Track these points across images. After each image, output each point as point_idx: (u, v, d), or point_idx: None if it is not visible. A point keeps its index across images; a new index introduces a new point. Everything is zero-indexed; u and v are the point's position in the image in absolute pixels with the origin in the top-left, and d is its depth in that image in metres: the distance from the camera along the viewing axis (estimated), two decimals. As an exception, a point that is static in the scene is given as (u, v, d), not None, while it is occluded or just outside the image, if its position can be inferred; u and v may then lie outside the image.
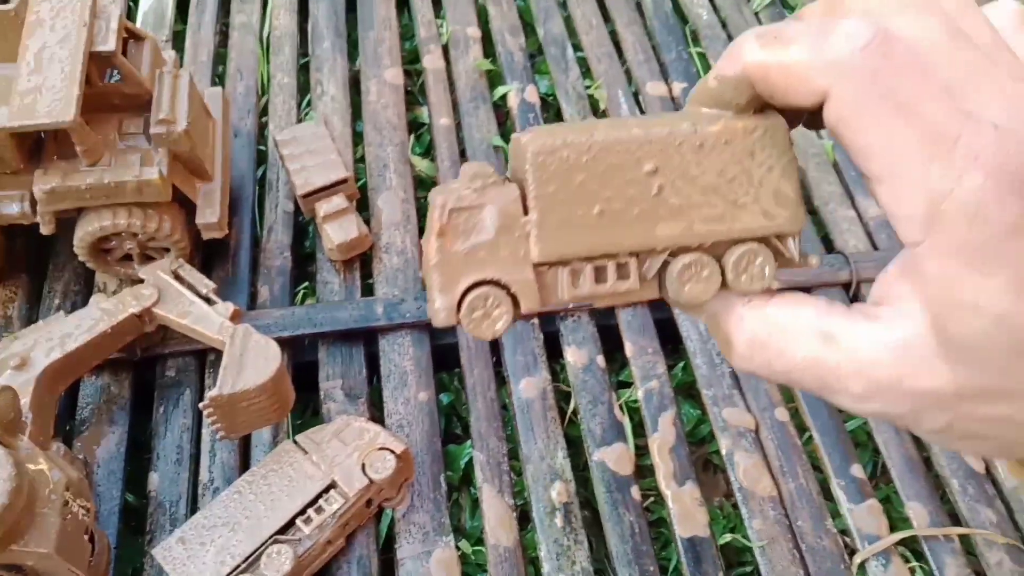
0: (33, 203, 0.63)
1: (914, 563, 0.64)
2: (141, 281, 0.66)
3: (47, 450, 0.55)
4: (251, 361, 0.57)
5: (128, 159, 0.62)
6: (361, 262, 0.75)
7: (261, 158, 0.82)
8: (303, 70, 0.91)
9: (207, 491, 0.62)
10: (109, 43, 0.61)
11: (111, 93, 0.64)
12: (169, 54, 0.70)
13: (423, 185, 0.85)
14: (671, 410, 0.69)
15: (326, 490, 0.57)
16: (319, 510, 0.56)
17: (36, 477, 0.49)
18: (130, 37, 0.66)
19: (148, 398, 0.67)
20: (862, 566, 0.63)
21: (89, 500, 0.54)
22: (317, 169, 0.72)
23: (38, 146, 0.63)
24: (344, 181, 0.72)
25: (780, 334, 0.27)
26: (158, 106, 0.63)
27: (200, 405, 0.56)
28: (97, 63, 0.62)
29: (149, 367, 0.67)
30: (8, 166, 0.60)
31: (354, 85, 0.89)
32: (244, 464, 0.64)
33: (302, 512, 0.56)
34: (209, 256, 0.74)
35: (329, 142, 0.74)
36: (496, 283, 0.26)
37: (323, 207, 0.71)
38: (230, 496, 0.56)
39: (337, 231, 0.71)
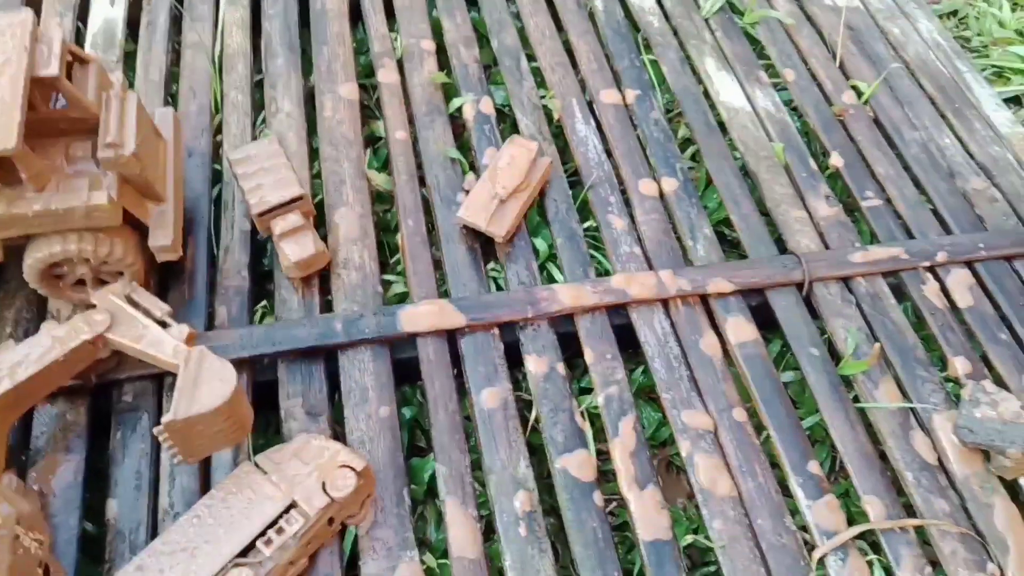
0: (-21, 231, 0.62)
1: (872, 556, 0.66)
2: (94, 307, 0.66)
3: (-1, 483, 0.55)
4: (206, 384, 0.57)
5: (76, 184, 0.62)
6: (320, 279, 0.75)
7: (216, 177, 0.82)
8: (257, 87, 0.90)
9: (168, 516, 0.61)
10: (52, 67, 0.60)
11: (57, 118, 0.63)
12: (116, 76, 0.69)
13: (381, 199, 0.86)
14: (631, 414, 0.70)
15: (287, 510, 0.57)
16: (280, 531, 0.56)
17: (-15, 511, 0.48)
18: (75, 60, 0.65)
19: (105, 424, 0.66)
20: (821, 561, 0.64)
21: (43, 532, 0.53)
22: (272, 187, 0.72)
23: (-17, 174, 0.62)
24: (299, 198, 0.72)
25: None
26: (105, 130, 0.62)
27: (154, 430, 0.55)
28: (41, 88, 0.61)
29: (105, 393, 0.67)
30: (-49, 195, 0.59)
31: (309, 101, 0.89)
32: (205, 488, 0.63)
33: (263, 534, 0.56)
34: (165, 278, 0.73)
35: (283, 159, 0.74)
36: None
37: (279, 225, 0.71)
38: (189, 520, 0.56)
39: (294, 248, 0.71)
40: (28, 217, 0.60)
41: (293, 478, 0.58)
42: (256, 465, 0.59)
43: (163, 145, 0.71)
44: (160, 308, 0.63)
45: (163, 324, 0.63)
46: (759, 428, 0.72)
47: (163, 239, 0.67)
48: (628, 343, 0.75)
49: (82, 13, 0.94)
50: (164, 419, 0.54)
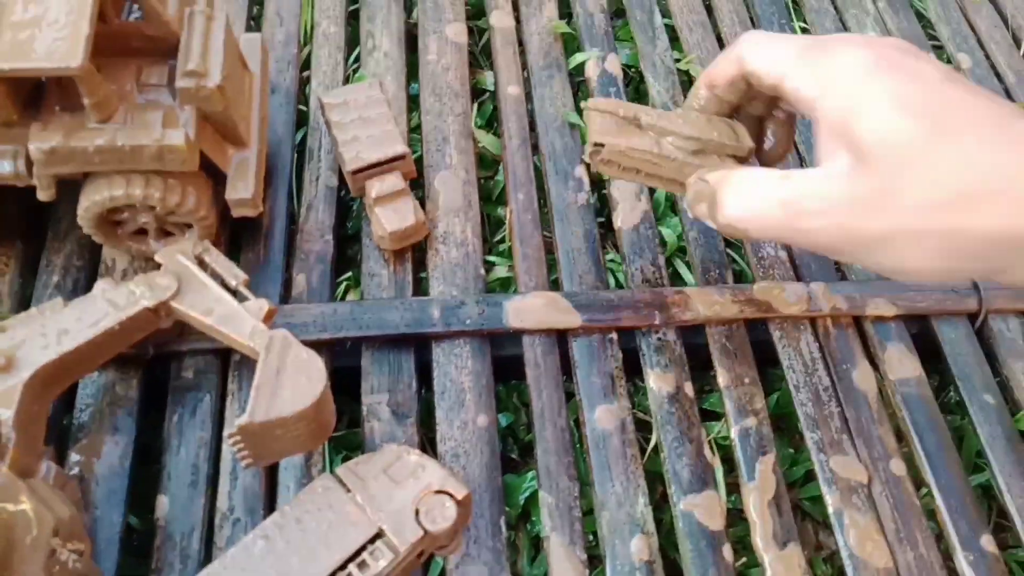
0: (29, 162, 0.52)
1: (1053, 659, 0.55)
2: (156, 264, 0.55)
3: (33, 475, 0.45)
4: (290, 381, 0.47)
5: (147, 117, 0.51)
6: (414, 252, 0.64)
7: (301, 120, 0.70)
8: (352, 18, 0.78)
9: (225, 522, 0.52)
10: (130, -30, 0.49)
11: (129, 34, 0.52)
12: (203, -11, 0.58)
13: (485, 164, 0.74)
14: (771, 454, 0.59)
15: (371, 540, 0.47)
16: (363, 566, 0.46)
17: (15, 521, 0.39)
18: (156, -35, 0.53)
19: (159, 401, 0.57)
20: (994, 660, 0.53)
21: (83, 540, 0.44)
22: (371, 141, 0.61)
23: (37, 92, 0.52)
24: (402, 157, 0.61)
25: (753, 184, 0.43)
26: (187, 54, 0.51)
27: (225, 435, 0.45)
28: (112, -5, 0.50)
29: (162, 365, 0.57)
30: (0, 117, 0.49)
31: (409, 41, 0.77)
32: (270, 491, 0.54)
33: (342, 567, 0.46)
34: (236, 235, 0.63)
35: (386, 109, 0.63)
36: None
37: (375, 187, 0.60)
38: (255, 541, 0.46)
39: (391, 217, 0.60)
40: (88, 152, 0.50)
41: (381, 501, 0.48)
42: (337, 478, 0.49)
43: (249, 78, 0.60)
44: (236, 275, 0.53)
45: (237, 295, 0.52)
46: (917, 484, 0.61)
47: (243, 191, 0.56)
48: (766, 362, 0.64)
49: (158, -86, 0.82)
50: (238, 421, 0.44)
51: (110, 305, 0.50)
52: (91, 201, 0.53)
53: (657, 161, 0.48)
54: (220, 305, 0.51)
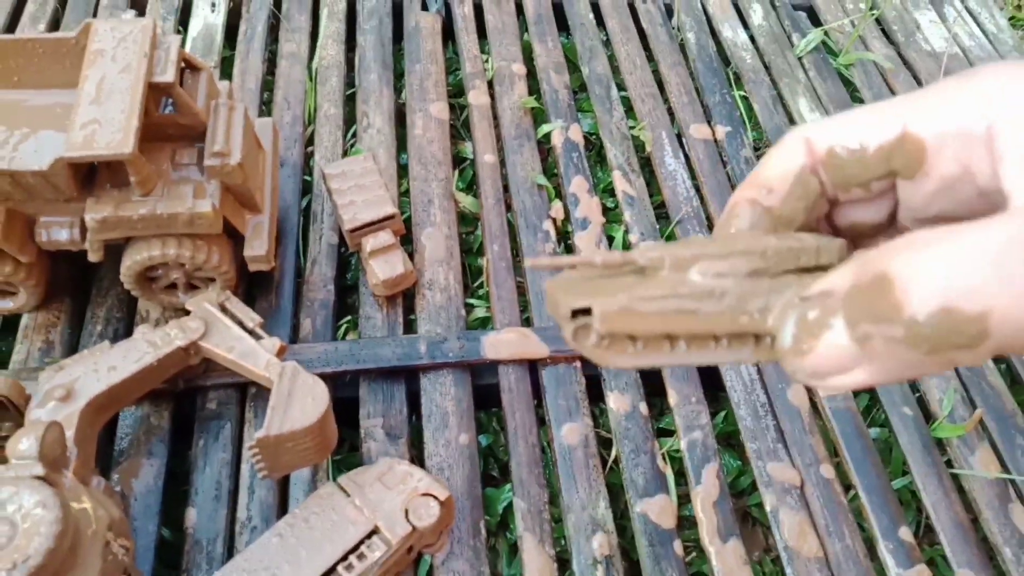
0: (83, 230, 0.63)
1: (965, 634, 0.62)
2: (185, 311, 0.66)
3: (88, 485, 0.55)
4: (298, 401, 0.56)
5: (181, 190, 0.62)
6: (404, 298, 0.74)
7: (306, 188, 0.82)
8: (349, 100, 0.91)
9: (245, 529, 0.61)
10: (168, 74, 0.61)
11: (166, 123, 0.64)
12: (223, 84, 0.70)
13: (465, 221, 0.85)
14: (714, 462, 0.67)
15: (368, 536, 0.56)
16: (361, 557, 0.55)
17: (79, 516, 0.48)
18: (187, 67, 0.66)
19: (187, 430, 0.66)
20: (912, 635, 0.61)
21: (129, 539, 0.53)
22: (365, 204, 0.72)
23: (91, 172, 0.63)
24: (392, 217, 0.72)
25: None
26: (213, 138, 0.63)
27: (247, 446, 0.55)
28: (155, 93, 0.62)
29: (189, 398, 0.67)
30: (62, 194, 0.60)
31: (399, 117, 0.89)
32: (283, 502, 0.63)
33: (344, 558, 0.55)
34: (252, 287, 0.73)
35: (377, 176, 0.74)
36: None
37: (369, 242, 0.71)
38: (270, 539, 0.55)
39: (383, 267, 0.70)
40: (133, 220, 0.61)
41: (376, 503, 0.57)
42: (339, 486, 0.58)
43: (263, 155, 0.72)
44: (252, 319, 0.63)
45: (254, 335, 0.63)
46: (845, 486, 0.70)
47: (259, 249, 0.67)
48: (711, 385, 0.73)
49: (183, 17, 0.95)
50: (258, 435, 0.54)
51: (149, 345, 0.60)
52: (133, 260, 0.64)
53: (694, 307, 0.24)
54: (240, 343, 0.61)
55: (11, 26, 0.91)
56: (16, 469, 0.47)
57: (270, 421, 0.55)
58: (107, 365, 0.58)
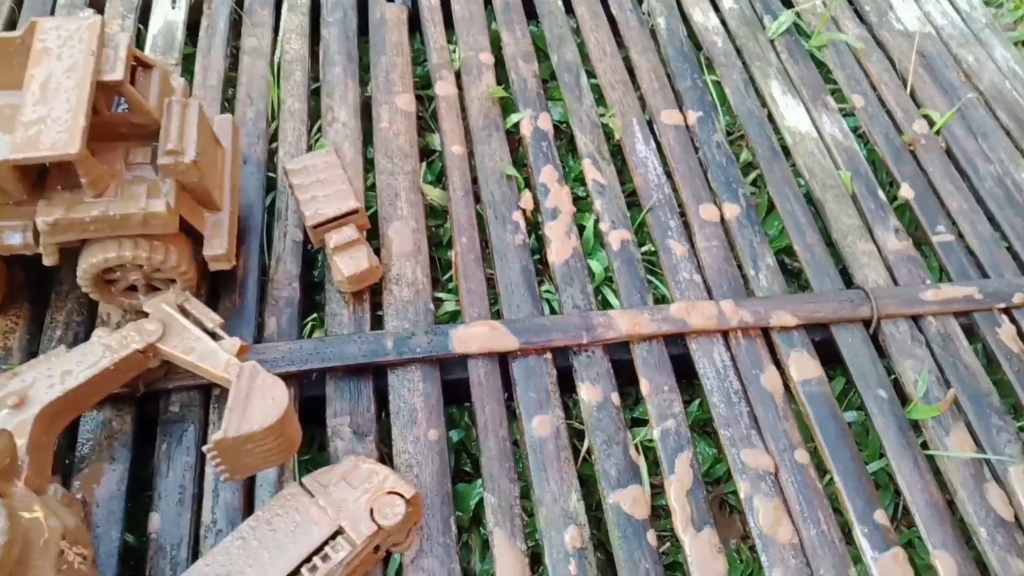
0: (36, 233, 0.62)
1: (941, 616, 0.62)
2: (145, 313, 0.65)
3: (43, 493, 0.53)
4: (257, 402, 0.55)
5: (134, 190, 0.61)
6: (371, 293, 0.73)
7: (270, 185, 0.81)
8: (314, 95, 0.89)
9: (210, 533, 0.60)
10: (117, 72, 0.59)
11: (118, 122, 0.63)
12: (178, 81, 0.68)
13: (434, 214, 0.84)
14: (688, 451, 0.67)
15: (333, 536, 0.55)
16: (325, 558, 0.54)
17: (30, 526, 0.47)
18: (139, 65, 0.64)
19: (150, 434, 0.65)
20: (888, 619, 0.60)
21: (87, 546, 0.52)
22: (328, 199, 0.71)
23: (42, 175, 0.61)
24: (355, 212, 0.71)
25: None
26: (166, 136, 0.62)
27: (203, 448, 0.54)
28: (105, 92, 0.61)
29: (151, 402, 0.65)
30: (11, 197, 0.59)
31: (365, 111, 0.88)
32: (248, 505, 0.62)
33: (307, 560, 0.54)
34: (215, 286, 0.72)
35: (340, 171, 0.73)
36: None
37: (333, 238, 0.70)
38: (233, 542, 0.54)
39: (347, 263, 0.69)
40: (86, 222, 0.59)
41: (340, 503, 0.56)
42: (303, 487, 0.57)
43: (222, 152, 0.70)
44: (212, 319, 0.62)
45: (214, 336, 0.61)
46: (821, 471, 0.69)
47: (218, 248, 0.66)
48: (683, 374, 0.72)
49: (143, 15, 0.94)
50: (214, 437, 0.53)
51: (105, 348, 0.59)
52: (88, 263, 0.62)
53: None
54: (199, 344, 0.60)
55: (-34, 28, 0.90)
56: (-38, 480, 0.46)
57: (227, 422, 0.54)
58: (62, 370, 0.57)
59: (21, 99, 0.58)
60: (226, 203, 0.68)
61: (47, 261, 0.62)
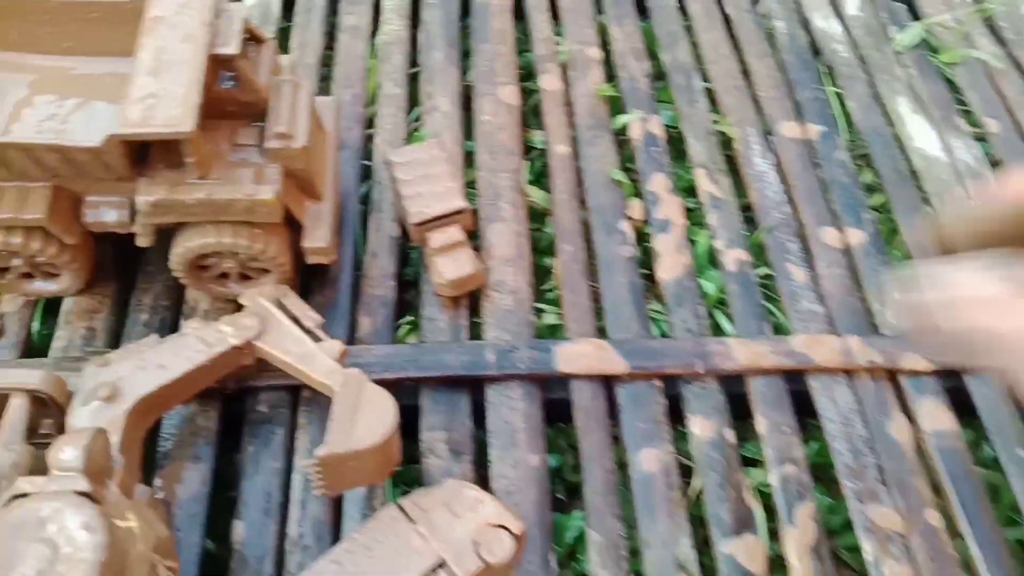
0: (132, 212, 0.58)
1: None
2: (234, 302, 0.61)
3: (132, 495, 0.50)
4: (364, 416, 0.51)
5: (239, 174, 0.57)
6: (470, 299, 0.69)
7: (365, 174, 0.76)
8: (412, 80, 0.85)
9: (296, 548, 0.56)
10: (231, 46, 0.55)
11: (224, 100, 0.58)
12: (285, 58, 0.64)
13: (534, 217, 0.79)
14: (810, 501, 0.61)
15: (434, 569, 0.51)
16: (426, 593, 0.49)
17: (124, 536, 0.43)
18: (250, 39, 0.60)
19: (234, 433, 0.61)
20: None
21: (175, 559, 0.48)
22: (433, 196, 0.66)
23: (143, 150, 0.57)
24: (461, 211, 0.66)
25: None
26: (276, 118, 0.57)
27: (305, 463, 0.49)
28: (215, 66, 0.56)
29: (237, 399, 0.61)
30: (112, 173, 0.55)
31: (465, 100, 0.83)
32: (336, 520, 0.58)
33: (407, 593, 0.49)
34: (306, 280, 0.68)
35: (446, 167, 0.68)
36: None
37: (436, 238, 0.65)
38: (327, 565, 0.50)
39: (450, 266, 0.65)
40: (188, 204, 0.55)
41: (443, 533, 0.51)
42: (401, 510, 0.53)
43: (324, 137, 0.66)
44: (311, 318, 0.58)
45: (313, 336, 0.57)
46: (953, 534, 0.63)
47: (320, 240, 0.62)
48: (803, 411, 0.66)
49: (239, -16, 0.89)
50: (318, 452, 0.49)
51: (202, 343, 0.54)
52: (184, 247, 0.58)
53: None
54: (298, 345, 0.56)
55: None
56: (58, 482, 0.42)
57: (333, 437, 0.49)
58: (156, 363, 0.53)
59: (131, 68, 0.54)
60: (328, 193, 0.64)
61: (142, 242, 0.58)
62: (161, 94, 0.51)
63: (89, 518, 0.40)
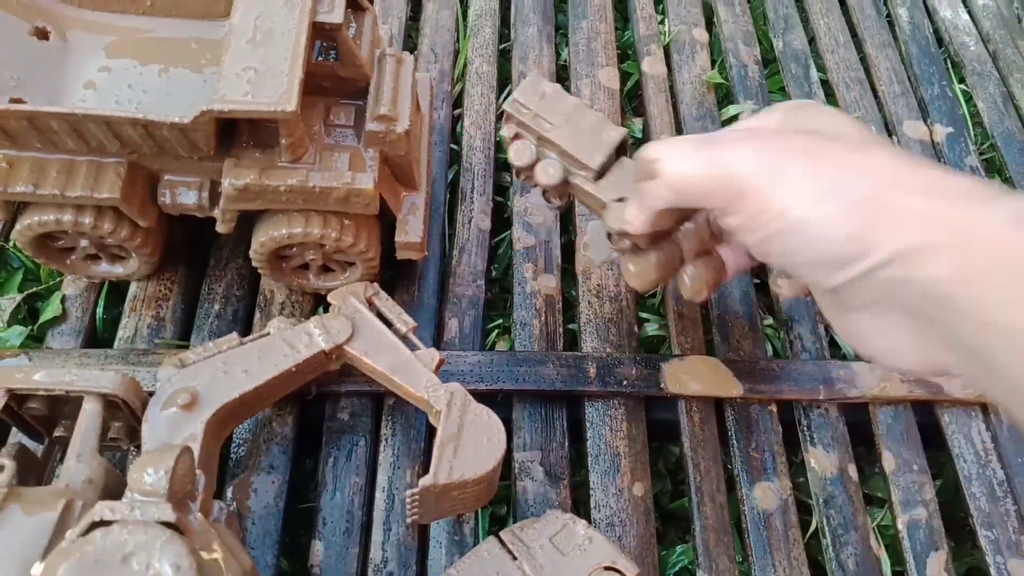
0: (213, 194, 0.52)
1: None
2: (314, 294, 0.55)
3: (210, 515, 0.45)
4: (471, 442, 0.45)
5: (335, 159, 0.51)
6: (564, 303, 0.62)
7: (452, 159, 0.70)
8: (503, 56, 0.78)
9: (379, 574, 0.51)
10: (336, 14, 0.49)
11: (323, 74, 0.52)
12: (385, 30, 0.58)
13: (633, 214, 0.72)
14: (943, 551, 0.55)
15: (540, 614, 0.45)
16: (533, 641, 0.44)
17: (211, 571, 0.38)
18: (350, 6, 0.53)
19: (312, 440, 0.56)
20: None
21: (258, 590, 0.43)
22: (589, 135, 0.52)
23: (229, 128, 0.52)
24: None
25: None
26: (378, 98, 0.51)
27: (407, 493, 0.44)
28: (313, 36, 0.50)
29: (317, 404, 0.56)
30: (198, 151, 0.49)
31: (559, 82, 0.76)
32: (422, 545, 0.52)
33: (511, 641, 0.44)
34: (391, 276, 0.62)
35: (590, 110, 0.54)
36: None
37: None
38: (422, 604, 0.45)
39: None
40: (280, 191, 0.50)
41: (549, 573, 0.46)
42: (502, 543, 0.47)
43: (421, 120, 0.60)
44: (405, 322, 0.52)
45: (407, 342, 0.51)
46: (1099, 596, 0.56)
47: (413, 235, 0.56)
48: (932, 445, 0.60)
49: (316, -56, 0.83)
50: (424, 481, 0.43)
51: (288, 346, 0.49)
52: (269, 236, 0.53)
53: None
54: (393, 353, 0.50)
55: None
56: (141, 509, 0.37)
57: (439, 464, 0.44)
58: (239, 367, 0.48)
59: (219, 34, 0.48)
60: (423, 182, 0.58)
61: (222, 228, 0.53)
62: (261, 67, 0.45)
63: (178, 557, 0.35)
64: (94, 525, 0.37)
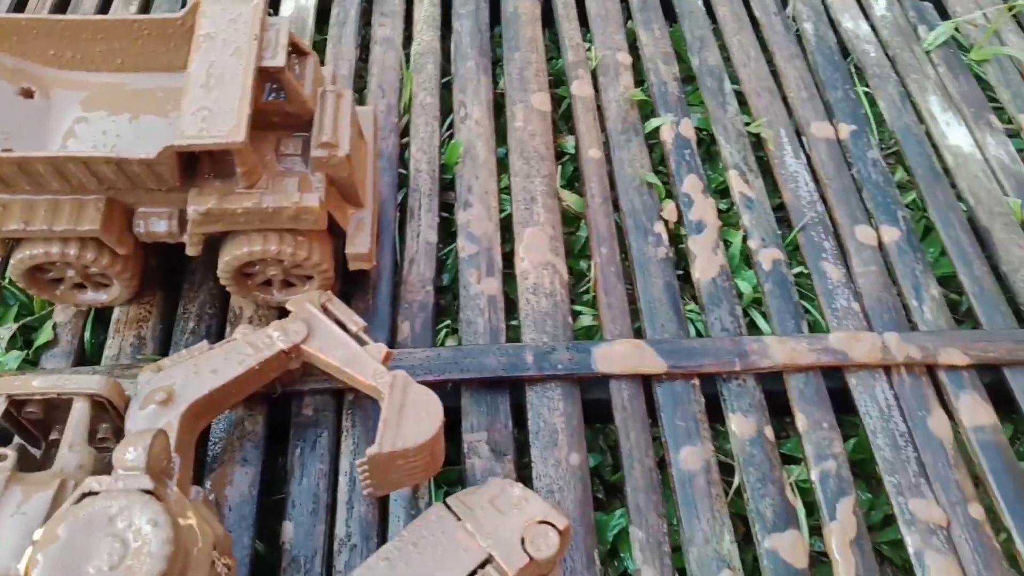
0: (182, 222, 0.60)
1: None
2: (281, 309, 0.62)
3: (188, 495, 0.51)
4: (411, 416, 0.52)
5: (285, 183, 0.58)
6: (507, 301, 0.70)
7: (401, 181, 0.77)
8: (445, 89, 0.86)
9: (344, 547, 0.57)
10: (278, 58, 0.57)
11: (271, 111, 0.60)
12: (326, 70, 0.66)
13: (567, 220, 0.80)
14: (850, 496, 0.61)
15: (482, 565, 0.51)
16: (475, 588, 0.50)
17: (186, 533, 0.45)
18: (294, 51, 0.62)
19: (280, 436, 0.63)
20: None
21: (231, 556, 0.50)
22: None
23: (192, 163, 0.59)
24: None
25: None
26: (320, 128, 0.59)
27: (356, 463, 0.51)
28: (261, 78, 0.58)
29: (283, 403, 0.63)
30: (165, 183, 0.57)
31: (496, 108, 0.84)
32: (383, 518, 0.59)
33: (457, 588, 0.50)
34: (348, 286, 0.69)
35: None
36: None
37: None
38: (377, 562, 0.51)
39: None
40: (237, 213, 0.57)
41: (489, 530, 0.52)
42: (448, 508, 0.54)
43: (365, 147, 0.68)
44: (356, 322, 0.59)
45: (358, 339, 0.58)
46: (996, 528, 0.62)
47: (361, 247, 0.63)
48: (842, 408, 0.66)
49: (274, 0, 0.92)
50: (369, 451, 0.50)
51: (251, 347, 0.56)
52: (232, 255, 0.60)
53: None
54: (344, 349, 0.57)
55: (104, 7, 0.89)
56: (124, 481, 0.44)
57: (382, 436, 0.51)
58: (208, 368, 0.55)
59: (184, 83, 0.56)
60: (369, 200, 0.65)
61: (191, 251, 0.60)
62: (214, 107, 0.53)
63: (155, 515, 0.41)
64: (85, 495, 0.43)
